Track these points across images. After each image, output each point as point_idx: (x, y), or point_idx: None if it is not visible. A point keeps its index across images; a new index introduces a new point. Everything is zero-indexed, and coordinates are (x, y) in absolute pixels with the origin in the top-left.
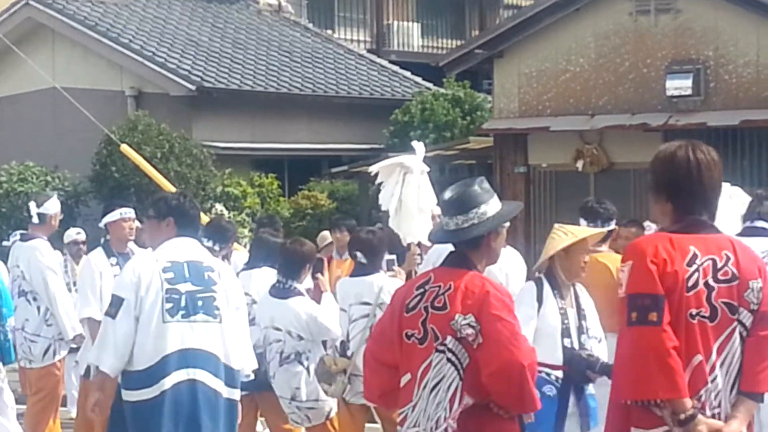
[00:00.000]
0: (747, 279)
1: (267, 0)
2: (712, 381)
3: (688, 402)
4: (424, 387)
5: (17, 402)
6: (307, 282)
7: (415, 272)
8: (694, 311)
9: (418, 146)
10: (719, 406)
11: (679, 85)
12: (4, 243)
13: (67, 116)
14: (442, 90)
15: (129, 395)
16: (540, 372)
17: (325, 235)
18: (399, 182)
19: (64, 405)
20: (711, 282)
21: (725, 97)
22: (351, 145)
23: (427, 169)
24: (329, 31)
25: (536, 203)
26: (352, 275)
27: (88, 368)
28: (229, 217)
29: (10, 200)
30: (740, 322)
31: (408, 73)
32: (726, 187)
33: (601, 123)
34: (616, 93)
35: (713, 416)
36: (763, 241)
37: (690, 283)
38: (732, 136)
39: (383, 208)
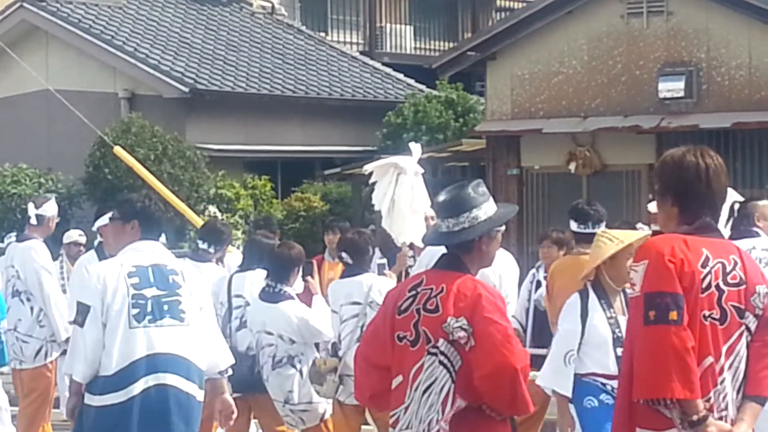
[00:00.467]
0: (754, 283)
1: (260, 2)
2: (721, 383)
3: (701, 403)
4: (417, 389)
5: (11, 404)
6: (299, 286)
7: (407, 273)
8: (706, 313)
9: (415, 147)
10: (726, 408)
11: (671, 88)
12: None
13: (61, 118)
14: (434, 92)
15: (94, 399)
16: (595, 381)
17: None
18: (392, 182)
19: (56, 407)
20: (722, 285)
21: (717, 100)
22: (344, 147)
23: (422, 170)
24: (322, 34)
25: (529, 205)
26: (341, 277)
27: None
28: (223, 219)
29: (4, 202)
30: (746, 327)
31: (401, 75)
32: None
33: (594, 125)
34: (609, 95)
35: (720, 419)
36: (747, 242)
37: (704, 285)
38: (724, 138)
39: (376, 208)
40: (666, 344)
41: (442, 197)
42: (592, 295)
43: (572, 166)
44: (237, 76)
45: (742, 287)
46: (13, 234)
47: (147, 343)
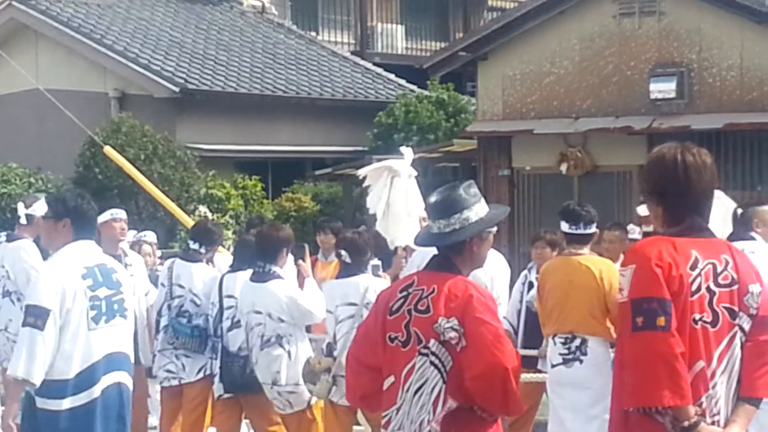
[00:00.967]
0: (746, 283)
1: (251, 2)
2: (713, 388)
3: (692, 409)
4: (408, 390)
5: (1, 403)
6: (291, 270)
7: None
8: (697, 316)
9: (407, 151)
10: (719, 413)
11: (663, 88)
12: None
13: (51, 118)
14: (426, 92)
15: (50, 404)
16: None
17: None
18: (387, 186)
19: None
20: (712, 286)
21: (709, 100)
22: (335, 147)
23: (415, 173)
24: (313, 33)
25: (520, 206)
26: (337, 276)
27: None
28: (213, 220)
29: None
30: (740, 327)
31: (392, 76)
32: None
33: (585, 126)
34: (600, 96)
35: (713, 423)
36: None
37: (693, 288)
38: (716, 140)
39: (370, 212)
40: (654, 351)
41: (433, 198)
42: None
43: (563, 167)
44: (227, 76)
45: (735, 287)
46: (3, 234)
47: (104, 344)
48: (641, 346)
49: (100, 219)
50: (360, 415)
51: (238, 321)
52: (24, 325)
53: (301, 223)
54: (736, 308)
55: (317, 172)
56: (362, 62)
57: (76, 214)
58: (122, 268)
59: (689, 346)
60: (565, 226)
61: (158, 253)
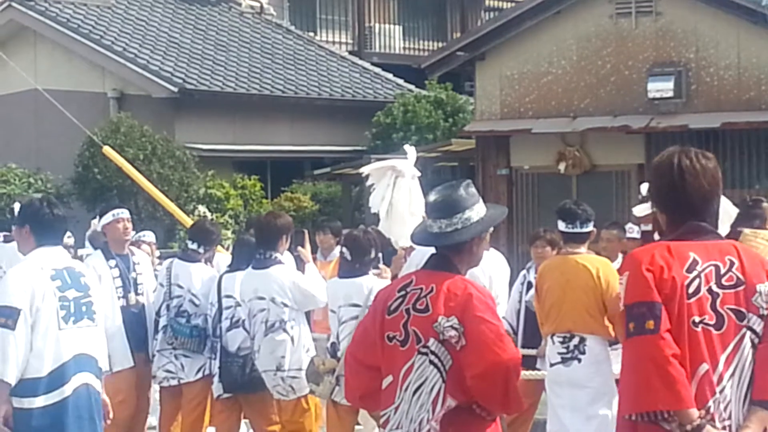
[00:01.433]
0: (754, 283)
1: (249, 2)
2: (721, 392)
3: (694, 412)
4: (407, 389)
5: None
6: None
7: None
8: (697, 318)
9: (410, 150)
10: (729, 418)
11: (660, 88)
12: None
13: (50, 118)
14: (424, 92)
15: (24, 402)
16: None
17: None
18: (390, 186)
19: None
20: (715, 288)
21: (706, 100)
22: (333, 147)
23: (419, 173)
24: (311, 33)
25: (518, 205)
26: (340, 276)
27: None
28: (212, 219)
29: None
30: (750, 329)
31: (390, 75)
32: None
33: (583, 125)
34: (598, 95)
35: (723, 428)
36: None
37: (690, 290)
38: (713, 139)
39: (373, 211)
40: (644, 355)
41: (432, 197)
42: None
43: (562, 166)
44: (226, 76)
45: (740, 288)
46: (1, 234)
47: (73, 344)
48: (634, 352)
49: (104, 221)
50: (360, 416)
51: (237, 321)
52: None
53: (300, 223)
54: (743, 310)
55: (316, 172)
56: (360, 62)
57: (34, 221)
58: (91, 272)
59: (690, 348)
60: (561, 225)
61: (157, 253)
